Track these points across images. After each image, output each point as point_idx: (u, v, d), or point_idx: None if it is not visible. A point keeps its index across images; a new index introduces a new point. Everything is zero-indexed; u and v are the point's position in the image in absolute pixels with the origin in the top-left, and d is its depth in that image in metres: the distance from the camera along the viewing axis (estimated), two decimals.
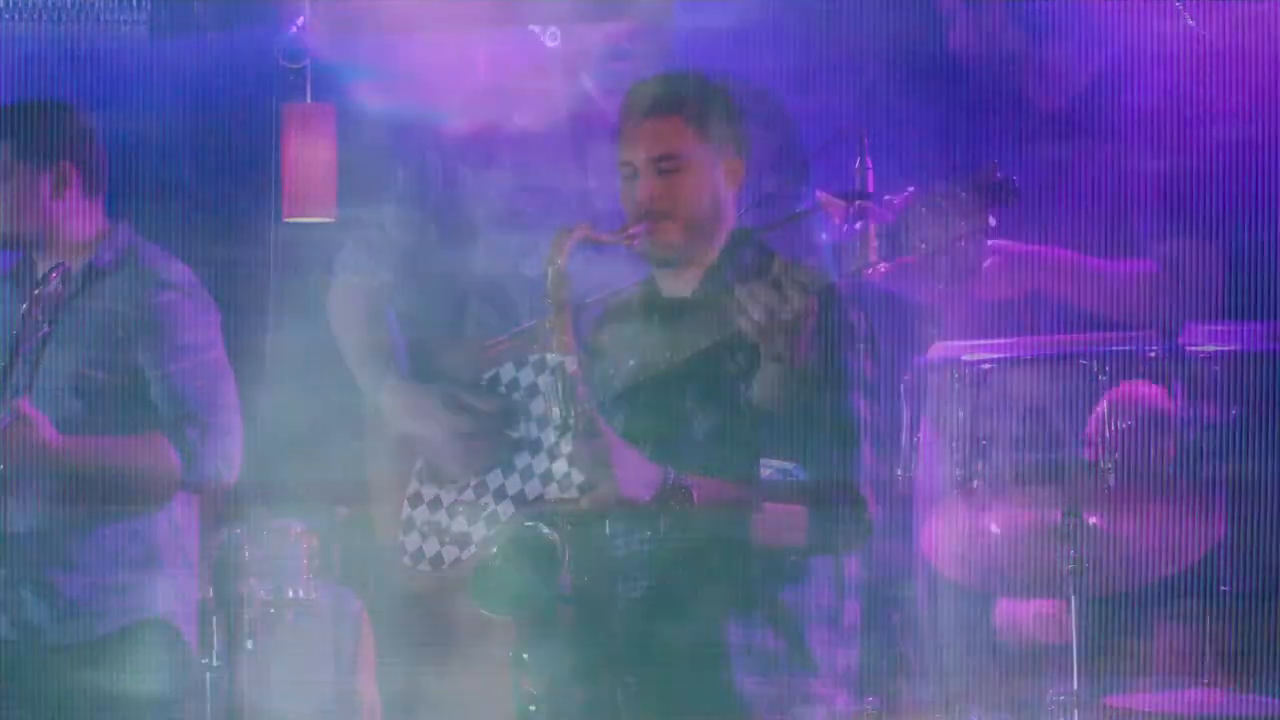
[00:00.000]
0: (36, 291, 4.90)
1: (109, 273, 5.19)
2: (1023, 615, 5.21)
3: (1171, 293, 5.13)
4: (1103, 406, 4.88)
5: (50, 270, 4.91)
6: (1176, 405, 4.92)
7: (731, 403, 4.44)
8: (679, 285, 4.59)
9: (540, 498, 4.63)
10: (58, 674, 5.14)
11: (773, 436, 4.38)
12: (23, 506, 5.08)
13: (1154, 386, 4.92)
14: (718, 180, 4.53)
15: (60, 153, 5.18)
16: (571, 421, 4.37)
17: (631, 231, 4.50)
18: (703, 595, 4.45)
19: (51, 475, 5.03)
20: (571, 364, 4.40)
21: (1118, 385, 4.89)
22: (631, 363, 4.57)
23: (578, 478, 4.43)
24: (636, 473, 4.36)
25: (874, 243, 4.20)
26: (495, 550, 4.54)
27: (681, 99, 4.52)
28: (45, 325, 4.88)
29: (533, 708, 4.45)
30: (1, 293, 5.26)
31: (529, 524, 4.50)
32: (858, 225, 4.24)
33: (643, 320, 4.61)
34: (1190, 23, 5.13)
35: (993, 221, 4.14)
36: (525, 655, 4.47)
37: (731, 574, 4.44)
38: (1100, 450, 4.87)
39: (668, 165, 4.50)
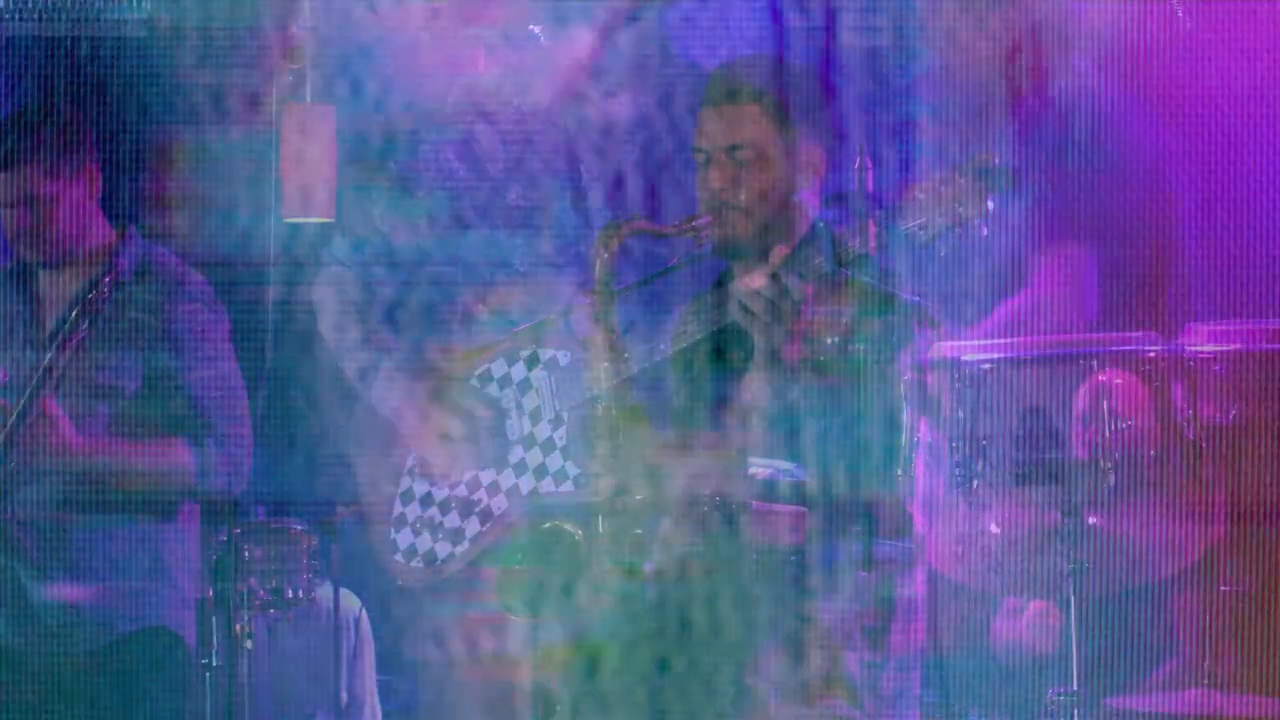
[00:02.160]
0: (90, 296, 4.99)
1: (129, 282, 5.20)
2: (1019, 624, 5.20)
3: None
4: (1081, 401, 4.87)
5: (104, 275, 4.96)
6: (1156, 394, 4.90)
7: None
8: (755, 278, 4.40)
9: (534, 492, 4.63)
10: (64, 681, 5.14)
11: (765, 436, 4.32)
12: (35, 510, 5.09)
13: (1128, 375, 4.90)
14: (794, 172, 4.40)
15: (86, 156, 5.18)
16: (565, 418, 4.34)
17: (697, 224, 4.38)
18: (731, 608, 4.34)
19: (67, 478, 5.05)
20: (564, 358, 4.38)
21: (1090, 380, 4.88)
22: (704, 353, 4.46)
23: (572, 471, 4.41)
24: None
25: (873, 230, 4.17)
26: (519, 552, 4.53)
27: (760, 86, 4.39)
28: (84, 330, 4.94)
29: (558, 708, 4.45)
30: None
31: (551, 523, 4.49)
32: (856, 215, 4.21)
33: (719, 312, 4.44)
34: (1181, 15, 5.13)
35: (991, 207, 4.12)
36: (550, 657, 4.46)
37: (763, 587, 4.34)
38: (1090, 446, 4.86)
39: (740, 155, 4.38)
